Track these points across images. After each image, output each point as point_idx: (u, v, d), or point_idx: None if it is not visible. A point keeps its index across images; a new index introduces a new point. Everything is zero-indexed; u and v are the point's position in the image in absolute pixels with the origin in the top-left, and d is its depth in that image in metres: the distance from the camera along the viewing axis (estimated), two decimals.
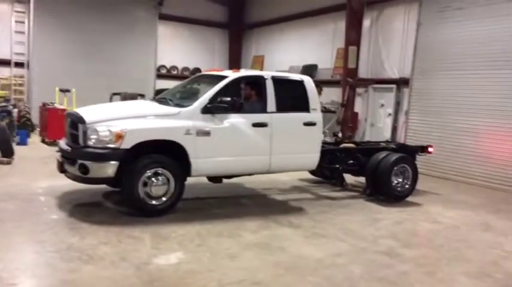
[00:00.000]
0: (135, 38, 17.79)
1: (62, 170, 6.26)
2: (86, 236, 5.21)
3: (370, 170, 7.90)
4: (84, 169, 5.80)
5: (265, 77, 6.94)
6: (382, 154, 7.96)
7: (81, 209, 6.38)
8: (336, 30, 15.03)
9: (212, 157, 6.38)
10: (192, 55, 19.81)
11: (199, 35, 19.94)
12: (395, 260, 5.06)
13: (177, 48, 19.48)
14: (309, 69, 15.38)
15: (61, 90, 14.17)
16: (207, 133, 6.26)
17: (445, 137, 10.91)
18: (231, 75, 6.77)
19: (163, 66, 19.16)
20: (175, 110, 6.26)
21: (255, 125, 6.64)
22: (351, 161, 8.29)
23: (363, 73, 13.76)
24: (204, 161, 6.31)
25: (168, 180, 6.12)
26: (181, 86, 7.71)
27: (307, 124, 7.06)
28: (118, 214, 6.28)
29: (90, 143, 5.84)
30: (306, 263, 4.80)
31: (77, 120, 6.07)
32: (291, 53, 17.17)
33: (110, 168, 5.80)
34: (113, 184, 6.68)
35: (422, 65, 11.63)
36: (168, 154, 6.15)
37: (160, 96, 7.26)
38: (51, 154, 10.65)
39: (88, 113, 6.23)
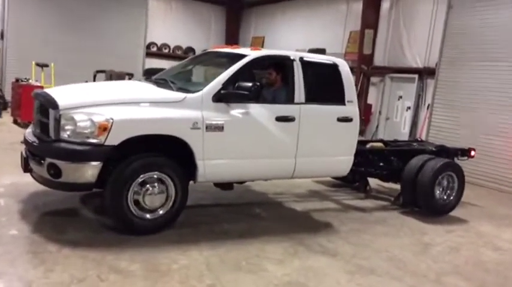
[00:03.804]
0: (123, 11, 15.97)
1: (27, 168, 4.75)
2: (53, 268, 3.73)
3: (408, 177, 6.52)
4: (55, 171, 4.30)
5: (293, 58, 5.48)
6: (423, 158, 6.59)
7: (51, 220, 4.88)
8: (349, 11, 13.58)
9: (224, 158, 4.93)
10: (186, 33, 18.14)
11: (194, 12, 18.26)
12: None
13: (169, 24, 17.80)
14: (316, 54, 13.88)
15: (38, 65, 12.47)
16: (219, 128, 4.79)
17: (474, 137, 9.56)
18: (251, 53, 5.29)
19: (154, 43, 17.49)
20: (179, 95, 4.76)
21: (280, 119, 5.19)
22: (382, 164, 6.93)
23: (379, 60, 12.37)
24: (215, 163, 4.86)
25: (167, 187, 4.67)
26: (184, 65, 6.19)
27: (341, 120, 5.63)
28: (99, 228, 4.79)
29: (64, 135, 4.33)
30: None
31: (47, 104, 4.55)
32: (294, 34, 15.66)
33: (90, 171, 4.30)
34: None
35: (451, 54, 10.24)
36: (166, 153, 4.69)
37: (158, 77, 5.74)
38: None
39: (63, 94, 4.71)
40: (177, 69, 6.04)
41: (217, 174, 4.98)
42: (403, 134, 11.49)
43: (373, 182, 7.68)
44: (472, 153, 7.46)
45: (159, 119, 4.52)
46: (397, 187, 7.33)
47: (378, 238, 5.34)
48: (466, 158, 7.46)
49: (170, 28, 17.77)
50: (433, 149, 7.13)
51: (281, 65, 5.51)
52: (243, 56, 5.21)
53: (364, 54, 12.18)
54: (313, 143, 5.46)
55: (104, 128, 4.26)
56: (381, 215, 6.37)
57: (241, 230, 5.12)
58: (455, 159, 7.33)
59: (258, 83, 4.81)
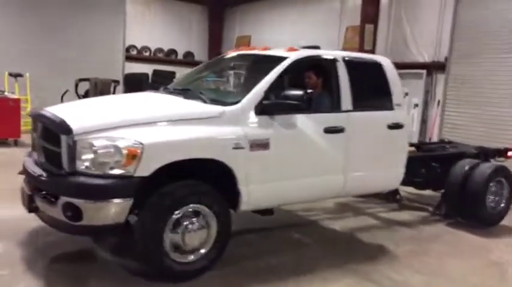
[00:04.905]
0: (99, 14, 14.85)
1: (32, 207, 3.83)
2: None
3: (453, 184, 5.86)
4: (74, 213, 3.41)
5: (336, 58, 4.73)
6: (469, 163, 5.95)
7: (64, 269, 3.98)
8: (343, 6, 12.93)
9: (270, 181, 4.14)
10: (166, 35, 17.10)
11: (174, 13, 17.22)
12: None
13: (149, 27, 16.69)
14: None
15: (11, 75, 11.36)
16: (264, 145, 4.00)
17: (492, 134, 9.04)
18: (291, 55, 4.49)
19: (134, 46, 16.40)
20: (216, 109, 3.94)
21: (328, 130, 4.43)
22: (422, 171, 6.26)
23: None
24: (260, 188, 4.06)
25: (207, 222, 3.85)
26: (203, 71, 5.33)
27: (392, 127, 4.92)
28: (124, 275, 3.92)
29: (82, 166, 3.46)
30: None
31: (55, 128, 3.65)
32: (284, 32, 14.86)
33: (119, 210, 3.45)
34: None
35: (463, 47, 9.71)
36: (201, 180, 3.87)
37: (177, 86, 4.87)
38: (3, 159, 8.12)
39: (73, 114, 3.82)
40: (196, 76, 5.19)
41: (262, 200, 4.18)
42: (413, 132, 10.87)
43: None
44: (509, 153, 6.88)
45: (198, 140, 3.70)
46: (428, 193, 6.76)
47: (445, 262, 4.64)
48: (503, 159, 6.87)
49: (150, 30, 16.72)
50: (474, 151, 6.50)
51: (322, 67, 4.75)
52: (281, 59, 4.41)
53: (365, 50, 11.51)
54: (364, 155, 4.73)
55: (133, 156, 3.41)
56: (430, 231, 5.71)
57: (291, 265, 4.34)
58: (492, 161, 6.74)
59: (309, 91, 4.02)
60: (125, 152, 3.40)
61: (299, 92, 3.96)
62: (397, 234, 5.48)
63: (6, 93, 10.40)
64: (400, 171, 5.11)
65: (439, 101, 10.35)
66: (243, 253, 4.53)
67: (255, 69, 4.78)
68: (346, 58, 4.79)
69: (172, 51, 17.09)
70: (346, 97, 4.61)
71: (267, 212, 4.54)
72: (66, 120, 3.60)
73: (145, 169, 3.45)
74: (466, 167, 5.87)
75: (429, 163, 6.23)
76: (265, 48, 4.93)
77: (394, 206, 6.75)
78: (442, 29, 10.28)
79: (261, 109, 4.04)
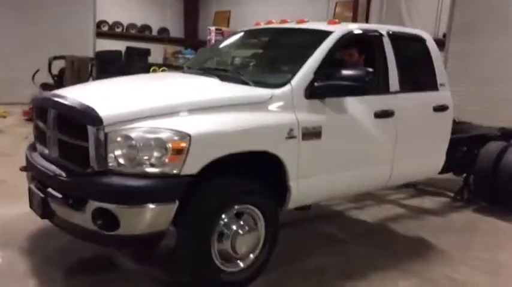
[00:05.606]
0: None
1: (46, 213, 3.17)
2: None
3: (484, 168, 5.53)
4: (107, 221, 2.79)
5: (381, 33, 4.21)
6: (498, 146, 5.64)
7: (83, 282, 3.39)
8: None
9: (320, 173, 3.64)
10: (139, 9, 16.09)
11: None
12: None
13: (120, 0, 15.68)
14: None
15: None
16: (316, 134, 3.48)
17: (494, 112, 8.81)
18: (337, 29, 3.93)
19: (105, 22, 15.34)
20: (265, 93, 3.36)
21: (379, 114, 3.95)
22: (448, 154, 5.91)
23: None
24: (310, 182, 3.54)
25: (256, 223, 3.32)
26: (226, 47, 4.70)
27: (437, 109, 4.49)
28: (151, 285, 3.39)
29: (113, 164, 2.84)
30: None
31: (80, 117, 2.98)
32: (266, 6, 14.23)
33: (164, 216, 2.86)
34: None
35: (464, 21, 9.34)
36: (246, 175, 3.32)
37: (204, 65, 4.24)
38: None
39: (98, 99, 3.15)
40: (219, 54, 4.57)
41: (311, 195, 3.69)
42: None
43: None
44: None
45: (252, 130, 3.13)
46: (441, 177, 6.40)
47: (497, 257, 4.30)
48: None
49: (122, 4, 15.69)
50: (497, 133, 6.20)
51: (367, 42, 4.22)
52: (327, 33, 3.84)
53: None
54: (411, 141, 4.29)
55: (179, 151, 2.81)
56: (460, 219, 5.41)
57: (337, 265, 3.88)
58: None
59: (371, 70, 3.51)
60: (169, 146, 2.79)
61: (360, 72, 3.44)
62: (428, 224, 5.12)
63: None
64: (441, 157, 4.71)
65: None
66: (281, 253, 3.99)
67: (293, 45, 4.20)
68: (391, 32, 4.28)
69: (146, 27, 16.12)
70: (393, 77, 4.12)
71: (305, 207, 4.02)
72: (92, 105, 2.94)
73: (192, 165, 2.87)
74: (498, 150, 5.56)
75: (457, 146, 5.86)
76: (301, 21, 4.35)
77: (411, 192, 6.40)
78: (442, 4, 9.92)
79: (311, 92, 3.49)
